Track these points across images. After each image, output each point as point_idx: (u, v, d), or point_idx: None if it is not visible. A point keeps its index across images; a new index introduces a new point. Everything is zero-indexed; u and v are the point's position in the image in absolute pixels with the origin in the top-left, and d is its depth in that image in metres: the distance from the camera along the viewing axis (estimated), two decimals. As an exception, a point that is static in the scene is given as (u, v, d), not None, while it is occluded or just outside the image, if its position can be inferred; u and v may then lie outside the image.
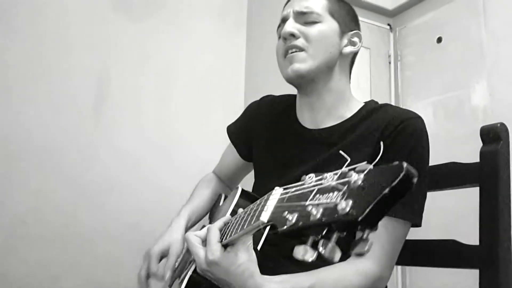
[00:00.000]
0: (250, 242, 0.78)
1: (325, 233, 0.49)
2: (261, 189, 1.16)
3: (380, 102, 1.10)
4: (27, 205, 1.70)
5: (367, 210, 0.44)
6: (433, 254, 1.08)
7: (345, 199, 0.46)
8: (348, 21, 1.09)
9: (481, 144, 1.01)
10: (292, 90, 1.18)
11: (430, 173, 1.06)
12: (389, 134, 0.96)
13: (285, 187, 0.63)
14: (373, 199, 0.44)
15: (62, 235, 1.73)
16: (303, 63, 1.02)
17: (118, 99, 1.94)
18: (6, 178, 1.68)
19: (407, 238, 0.98)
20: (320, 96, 1.07)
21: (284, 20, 1.08)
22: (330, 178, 0.53)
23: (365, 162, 0.51)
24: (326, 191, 0.51)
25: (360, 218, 0.44)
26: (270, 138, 1.18)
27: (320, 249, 0.49)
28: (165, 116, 2.03)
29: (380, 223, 0.86)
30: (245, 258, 0.76)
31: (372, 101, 1.11)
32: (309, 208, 0.50)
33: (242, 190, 1.05)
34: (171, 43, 2.12)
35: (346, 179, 0.49)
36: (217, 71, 2.24)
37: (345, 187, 0.48)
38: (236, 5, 2.37)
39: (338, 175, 0.52)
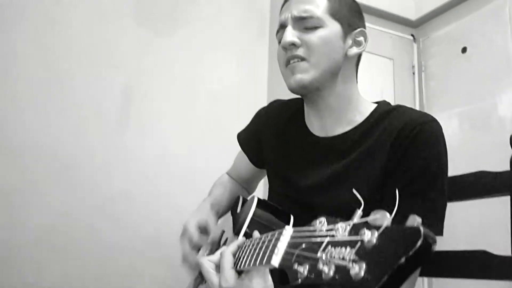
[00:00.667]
0: (267, 270, 0.76)
1: None
2: (274, 198, 1.15)
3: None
4: (52, 214, 1.72)
5: (382, 281, 0.41)
6: (463, 265, 1.05)
7: (358, 262, 0.44)
8: (351, 19, 1.02)
9: (508, 154, 0.98)
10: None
11: (459, 182, 1.04)
12: (403, 140, 0.91)
13: (295, 229, 0.61)
14: (388, 267, 0.41)
15: (83, 248, 1.75)
16: (305, 74, 0.97)
17: (141, 112, 1.96)
18: (29, 192, 1.71)
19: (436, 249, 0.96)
20: (327, 103, 1.02)
21: (282, 26, 1.02)
22: (342, 230, 0.50)
23: (380, 213, 0.47)
24: (338, 244, 0.48)
25: None
26: (280, 146, 1.15)
27: None
28: (188, 128, 2.04)
29: None
30: (261, 285, 0.73)
31: (383, 102, 1.06)
32: (321, 264, 0.48)
33: (258, 200, 1.03)
34: (194, 56, 2.14)
35: (359, 237, 0.46)
36: (240, 83, 2.25)
37: (358, 245, 0.45)
38: (258, 16, 2.39)
39: (350, 227, 0.49)
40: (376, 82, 2.49)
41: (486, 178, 1.05)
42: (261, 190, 1.66)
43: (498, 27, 2.11)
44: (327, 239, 0.50)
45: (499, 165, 1.02)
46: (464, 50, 2.30)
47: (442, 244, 1.01)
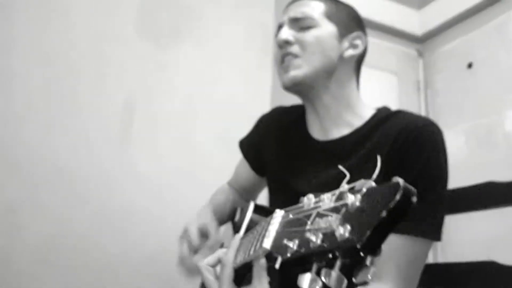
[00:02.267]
0: (265, 279, 0.74)
1: (328, 260, 0.47)
2: (275, 203, 1.14)
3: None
4: (51, 230, 1.70)
5: (366, 236, 0.42)
6: (472, 276, 1.03)
7: (343, 224, 0.45)
8: (348, 24, 1.04)
9: None
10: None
11: (467, 193, 1.03)
12: (402, 144, 0.90)
13: (286, 209, 0.62)
14: (371, 223, 0.42)
15: (84, 262, 1.73)
16: (298, 70, 0.99)
17: (143, 126, 1.95)
18: (31, 204, 1.70)
19: (443, 261, 0.94)
20: (323, 103, 1.03)
21: (279, 27, 1.06)
22: (328, 200, 0.51)
23: (363, 180, 0.48)
24: (325, 214, 0.49)
25: (359, 245, 0.42)
26: (281, 151, 1.15)
27: (324, 279, 0.47)
28: (190, 143, 2.04)
29: (396, 243, 0.84)
30: None
31: (384, 107, 1.05)
32: (308, 234, 0.49)
33: (255, 205, 1.03)
34: (197, 69, 2.15)
35: (343, 201, 0.47)
36: (243, 97, 2.24)
37: (343, 210, 0.47)
38: (262, 30, 2.39)
39: (336, 196, 0.50)
40: (381, 98, 2.47)
41: (495, 189, 1.03)
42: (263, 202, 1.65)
43: (503, 42, 2.11)
44: (315, 211, 0.52)
45: (507, 180, 1.01)
46: (469, 65, 2.30)
47: (452, 255, 1.00)
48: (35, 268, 1.65)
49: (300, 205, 0.57)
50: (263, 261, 0.70)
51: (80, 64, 1.89)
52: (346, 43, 1.02)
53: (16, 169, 1.71)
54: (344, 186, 0.50)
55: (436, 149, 0.90)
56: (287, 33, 1.01)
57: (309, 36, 0.99)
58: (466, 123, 2.26)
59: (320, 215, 0.50)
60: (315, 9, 1.02)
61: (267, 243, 0.61)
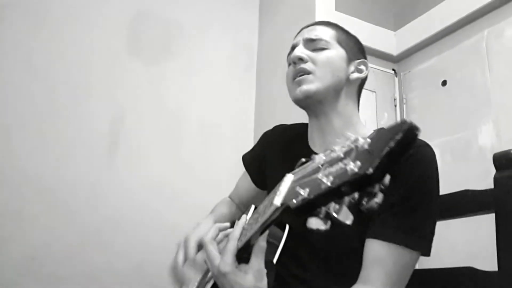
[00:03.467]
0: (263, 268, 0.77)
1: (336, 201, 0.51)
2: None
3: None
4: (37, 242, 1.69)
5: (377, 163, 0.45)
6: (449, 282, 1.06)
7: (354, 161, 0.48)
8: (356, 51, 1.17)
9: (489, 182, 1.01)
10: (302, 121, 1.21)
11: (444, 201, 1.06)
12: None
13: (294, 171, 0.65)
14: (380, 153, 0.46)
15: (70, 273, 1.72)
16: (310, 84, 1.07)
17: (129, 142, 1.97)
18: (17, 216, 1.68)
19: (421, 267, 0.97)
20: (329, 119, 1.11)
21: (293, 48, 1.15)
22: (338, 149, 0.54)
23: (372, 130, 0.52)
24: (335, 161, 0.52)
25: (368, 172, 0.45)
26: (282, 165, 1.18)
27: (332, 213, 0.51)
28: (175, 158, 2.06)
29: (386, 251, 0.88)
30: (252, 282, 0.75)
31: (382, 129, 1.11)
32: (319, 178, 0.52)
33: (255, 207, 1.05)
34: (183, 85, 2.18)
35: (353, 145, 0.51)
36: (228, 112, 2.28)
37: (354, 153, 0.50)
38: (246, 50, 2.45)
39: (346, 142, 0.54)
40: (361, 113, 2.54)
41: (471, 196, 1.08)
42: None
43: (476, 60, 2.19)
44: (326, 161, 0.55)
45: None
46: (444, 83, 2.37)
47: (430, 262, 1.02)
48: (20, 280, 1.64)
49: (310, 161, 0.61)
50: (263, 243, 0.74)
51: (69, 78, 1.90)
52: (352, 67, 1.14)
53: (2, 181, 1.70)
54: (353, 137, 0.54)
55: (429, 167, 0.97)
56: (301, 51, 1.11)
57: (322, 56, 1.10)
58: (441, 138, 2.32)
59: (331, 163, 0.53)
60: (328, 34, 1.14)
61: (278, 201, 0.64)
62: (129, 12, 2.13)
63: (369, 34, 2.61)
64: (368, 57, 2.72)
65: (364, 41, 2.76)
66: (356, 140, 0.51)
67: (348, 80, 1.12)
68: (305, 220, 0.55)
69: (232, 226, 1.29)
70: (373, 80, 2.68)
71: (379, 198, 0.50)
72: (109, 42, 2.05)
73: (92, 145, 1.89)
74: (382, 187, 0.50)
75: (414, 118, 2.56)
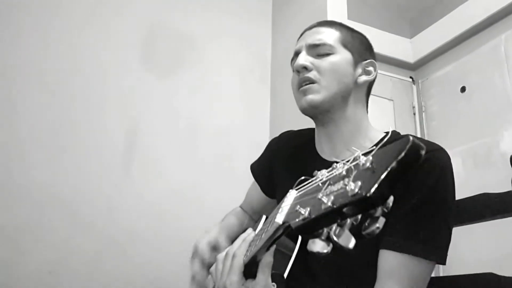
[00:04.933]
0: (270, 284, 0.74)
1: (338, 223, 0.48)
2: None
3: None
4: (54, 255, 1.70)
5: (376, 185, 0.43)
6: (471, 289, 1.02)
7: (354, 181, 0.46)
8: (362, 51, 1.09)
9: None
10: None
11: (463, 205, 1.03)
12: (410, 168, 0.91)
13: (298, 187, 0.64)
14: (380, 174, 0.43)
15: (87, 285, 1.72)
16: (316, 94, 1.02)
17: (145, 153, 1.98)
18: (34, 229, 1.70)
19: (443, 274, 0.94)
20: (337, 126, 1.06)
21: (297, 54, 1.10)
22: (340, 167, 0.53)
23: (375, 148, 0.50)
24: (337, 179, 0.51)
25: (368, 194, 0.43)
26: (290, 173, 1.16)
27: (333, 237, 0.48)
28: (191, 168, 2.06)
29: (401, 262, 0.85)
30: None
31: (394, 131, 1.06)
32: (320, 198, 0.50)
33: (267, 217, 1.04)
34: (197, 97, 2.20)
35: (355, 163, 0.49)
36: (243, 124, 2.28)
37: (355, 171, 0.48)
38: (260, 61, 2.46)
39: (348, 161, 0.52)
40: (378, 123, 2.51)
41: (490, 200, 1.04)
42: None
43: (495, 65, 2.16)
44: (328, 180, 0.53)
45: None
46: (463, 89, 2.34)
47: (451, 269, 1.00)
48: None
49: (313, 178, 0.59)
50: (269, 259, 0.71)
51: (84, 92, 1.93)
52: (360, 70, 1.07)
53: (20, 196, 1.72)
54: (355, 154, 0.52)
55: (444, 173, 0.91)
56: (305, 59, 1.05)
57: (326, 62, 1.03)
58: (462, 145, 2.28)
59: (332, 182, 0.51)
60: (332, 37, 1.06)
61: (280, 218, 0.62)
62: (142, 25, 2.17)
63: (384, 42, 2.60)
64: (385, 65, 2.74)
65: (380, 50, 2.76)
66: (358, 158, 0.49)
67: (356, 84, 1.06)
68: (306, 242, 0.53)
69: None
70: (391, 88, 2.66)
71: (380, 223, 0.47)
72: (123, 55, 2.08)
73: (108, 158, 1.91)
74: (386, 210, 0.46)
75: (434, 126, 2.52)
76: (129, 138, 1.97)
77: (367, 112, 1.12)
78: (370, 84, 1.12)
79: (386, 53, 2.64)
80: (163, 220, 1.92)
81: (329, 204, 0.48)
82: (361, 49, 1.09)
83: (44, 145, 1.81)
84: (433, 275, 1.89)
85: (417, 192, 0.88)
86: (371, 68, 1.09)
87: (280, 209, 0.64)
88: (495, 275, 0.97)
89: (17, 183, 1.74)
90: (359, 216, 0.48)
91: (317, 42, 1.05)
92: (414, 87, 2.68)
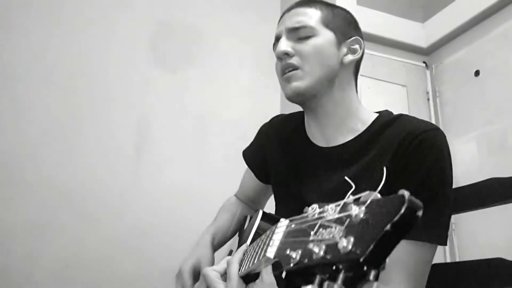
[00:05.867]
0: (274, 281, 0.73)
1: (331, 273, 0.45)
2: (281, 212, 1.14)
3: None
4: (69, 251, 1.74)
5: (369, 249, 0.40)
6: (479, 274, 1.01)
7: (346, 236, 0.44)
8: (346, 29, 1.04)
9: None
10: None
11: (470, 191, 1.02)
12: (405, 150, 0.89)
13: (290, 219, 0.61)
14: (374, 236, 0.41)
15: (102, 279, 1.75)
16: (300, 81, 0.98)
17: (155, 147, 1.99)
18: (49, 226, 1.73)
19: (452, 260, 0.93)
20: (326, 111, 1.02)
21: (277, 39, 1.05)
22: (332, 211, 0.50)
23: (368, 192, 0.47)
24: (329, 225, 0.48)
25: (362, 259, 0.41)
26: (283, 159, 1.15)
27: None
28: (201, 163, 2.07)
29: (404, 248, 0.84)
30: None
31: (386, 111, 1.05)
32: (311, 245, 0.48)
33: (263, 212, 1.04)
34: (207, 92, 2.20)
35: (347, 213, 0.46)
36: (252, 117, 2.27)
37: (347, 221, 0.46)
38: (270, 54, 2.44)
39: (340, 207, 0.49)
40: (391, 109, 2.48)
41: (499, 184, 1.03)
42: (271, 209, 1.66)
43: (509, 48, 2.11)
44: (319, 222, 0.50)
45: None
46: (477, 73, 2.29)
47: (467, 254, 0.98)
48: (56, 285, 1.68)
49: (304, 215, 0.56)
50: (270, 268, 0.69)
51: (93, 89, 1.95)
52: (344, 49, 1.02)
53: (33, 195, 1.76)
54: (350, 197, 0.50)
55: (440, 153, 0.89)
56: (286, 44, 1.00)
57: (308, 46, 0.98)
58: (476, 130, 2.24)
59: (324, 226, 0.49)
60: (312, 17, 1.01)
61: (271, 253, 0.60)
62: (150, 21, 2.17)
63: (396, 27, 2.56)
64: (397, 51, 2.70)
65: (392, 35, 2.74)
66: (350, 207, 0.46)
67: (342, 65, 1.01)
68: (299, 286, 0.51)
69: (241, 224, 1.28)
70: (404, 74, 2.62)
71: (374, 287, 0.43)
72: (131, 51, 2.09)
73: (117, 155, 1.93)
74: (381, 270, 0.43)
75: (448, 112, 2.48)
76: (138, 135, 1.98)
77: (357, 92, 1.08)
78: (358, 63, 1.07)
79: (398, 38, 2.60)
80: (173, 215, 1.94)
81: (321, 254, 0.46)
82: (344, 26, 1.04)
83: (53, 141, 1.83)
84: (448, 260, 1.89)
85: (414, 176, 0.87)
86: (356, 46, 1.04)
87: (272, 241, 0.62)
88: (504, 260, 0.96)
89: (30, 182, 1.77)
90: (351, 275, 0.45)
91: (297, 25, 1.00)
92: (428, 72, 2.64)
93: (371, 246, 0.40)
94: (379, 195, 0.46)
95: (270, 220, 1.02)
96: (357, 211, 0.45)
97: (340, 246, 0.43)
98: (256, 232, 0.99)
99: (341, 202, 0.50)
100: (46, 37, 1.94)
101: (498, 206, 1.04)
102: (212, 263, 1.17)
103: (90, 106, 1.94)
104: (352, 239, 0.42)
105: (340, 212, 0.48)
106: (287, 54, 0.99)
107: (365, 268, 0.42)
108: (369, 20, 2.43)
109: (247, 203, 1.37)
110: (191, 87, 2.17)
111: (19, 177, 1.76)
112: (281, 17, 1.09)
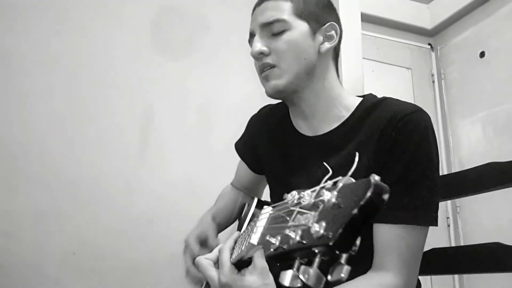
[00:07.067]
0: (266, 265, 0.71)
1: (309, 257, 0.47)
2: (275, 201, 1.14)
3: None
4: (77, 237, 1.76)
5: (338, 233, 0.41)
6: (477, 258, 1.02)
7: (318, 221, 0.44)
8: (319, 15, 1.00)
9: None
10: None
11: (473, 175, 1.02)
12: (390, 132, 0.88)
13: (273, 205, 0.62)
14: (343, 220, 0.42)
15: (110, 265, 1.78)
16: (279, 79, 0.97)
17: (160, 136, 2.00)
18: (56, 214, 1.76)
19: (463, 243, 0.93)
20: (308, 103, 1.01)
21: (251, 35, 1.03)
22: (308, 197, 0.51)
23: (343, 177, 0.48)
24: (305, 211, 0.49)
25: (331, 242, 0.42)
26: (273, 150, 1.14)
27: (302, 277, 0.47)
28: (207, 150, 2.07)
29: (395, 233, 0.85)
30: (259, 282, 0.70)
31: (369, 95, 1.02)
32: (288, 231, 0.49)
33: (258, 200, 1.05)
34: (210, 78, 2.19)
35: (321, 198, 0.47)
36: (256, 104, 2.26)
37: (321, 207, 0.46)
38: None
39: (316, 192, 0.50)
40: (396, 92, 2.47)
41: (497, 169, 1.03)
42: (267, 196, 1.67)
43: (514, 28, 2.08)
44: (297, 208, 0.51)
45: None
46: (482, 54, 2.27)
47: (472, 237, 0.99)
48: (63, 274, 1.72)
49: (284, 201, 0.57)
50: (261, 252, 0.68)
51: (94, 77, 1.95)
52: (320, 37, 0.99)
53: (38, 183, 1.78)
54: (328, 183, 0.50)
55: (425, 135, 0.88)
56: (260, 43, 0.98)
57: (282, 42, 0.96)
58: (482, 112, 2.23)
59: (301, 212, 0.50)
60: (284, 10, 0.98)
61: (254, 239, 0.62)
62: (152, 7, 2.17)
63: (400, 9, 2.53)
64: (402, 33, 2.68)
65: (397, 17, 2.71)
66: (323, 193, 0.47)
67: (319, 54, 0.98)
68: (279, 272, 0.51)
69: (240, 210, 1.30)
70: (409, 56, 2.60)
71: (345, 273, 0.44)
72: (134, 38, 2.09)
73: (123, 142, 1.94)
74: (352, 253, 0.44)
75: (453, 93, 2.47)
76: (143, 123, 1.98)
77: (338, 76, 1.05)
78: (336, 48, 1.03)
79: (403, 20, 2.57)
80: (179, 203, 1.95)
81: (297, 239, 0.47)
82: (317, 12, 1.00)
83: (60, 133, 1.84)
84: (453, 243, 1.89)
85: (401, 158, 0.87)
86: (332, 32, 1.00)
87: (256, 228, 0.64)
88: (501, 245, 0.96)
89: (37, 171, 1.79)
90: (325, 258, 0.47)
91: (270, 20, 0.97)
92: (433, 54, 2.61)
93: (340, 230, 0.41)
94: (352, 179, 0.47)
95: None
96: (329, 196, 0.46)
97: (312, 230, 0.44)
98: (251, 219, 1.00)
99: (317, 188, 0.50)
100: (49, 28, 1.95)
101: (502, 190, 1.04)
102: (216, 233, 1.21)
103: (92, 95, 1.94)
104: (323, 224, 0.44)
105: (315, 197, 0.49)
106: (262, 54, 0.97)
107: (337, 252, 0.44)
108: (373, 2, 2.40)
109: (244, 192, 1.38)
110: (195, 75, 2.17)
111: (26, 167, 1.78)
112: (253, 11, 1.05)
